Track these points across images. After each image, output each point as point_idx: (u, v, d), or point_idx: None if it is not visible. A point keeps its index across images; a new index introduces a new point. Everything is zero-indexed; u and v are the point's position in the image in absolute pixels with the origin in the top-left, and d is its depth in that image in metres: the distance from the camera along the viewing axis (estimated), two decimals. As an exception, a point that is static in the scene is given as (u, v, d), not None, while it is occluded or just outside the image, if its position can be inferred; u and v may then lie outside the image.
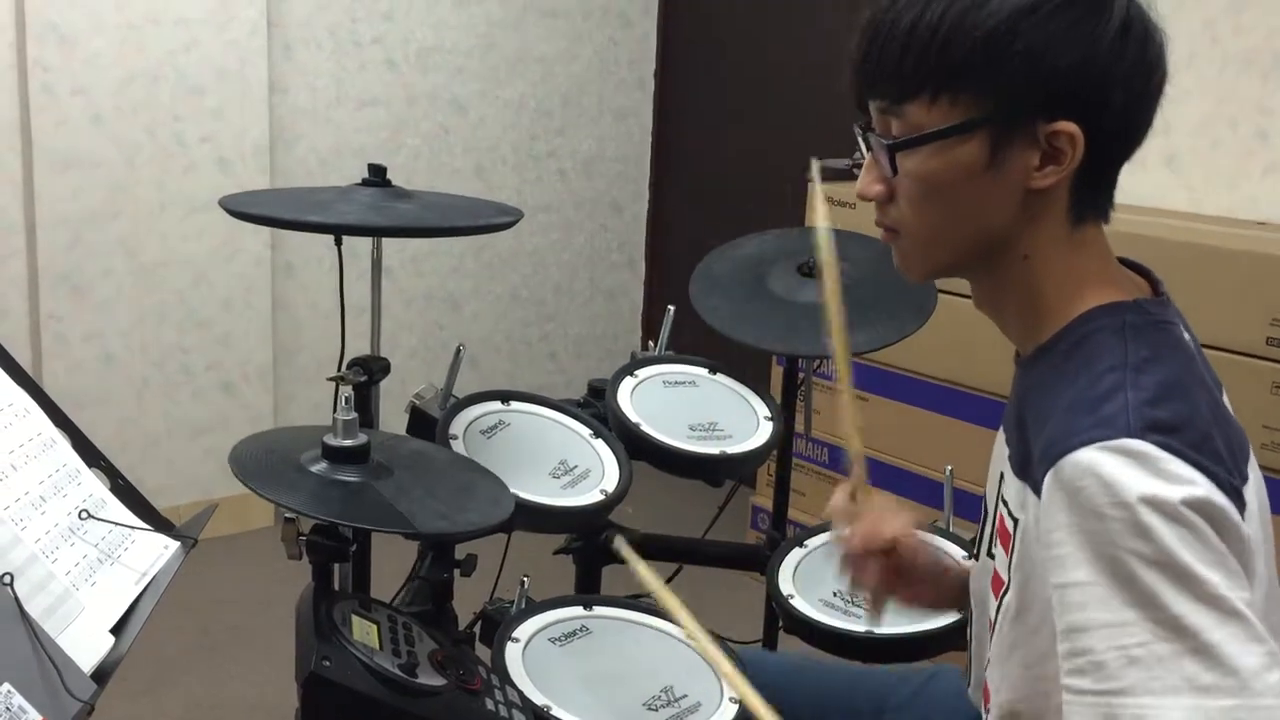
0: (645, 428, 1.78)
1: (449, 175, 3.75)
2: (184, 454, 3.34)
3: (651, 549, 1.99)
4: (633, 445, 1.78)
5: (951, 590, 1.31)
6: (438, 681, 1.28)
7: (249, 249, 3.34)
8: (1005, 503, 1.05)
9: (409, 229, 1.98)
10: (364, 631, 1.29)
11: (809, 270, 1.92)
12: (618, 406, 1.81)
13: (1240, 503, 0.90)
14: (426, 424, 1.76)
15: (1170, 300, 1.05)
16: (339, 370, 1.69)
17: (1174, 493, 0.85)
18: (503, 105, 3.84)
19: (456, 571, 1.74)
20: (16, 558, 1.14)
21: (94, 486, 1.33)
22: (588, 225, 4.15)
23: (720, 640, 1.55)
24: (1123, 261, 1.08)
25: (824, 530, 1.80)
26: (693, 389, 1.93)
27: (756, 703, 1.05)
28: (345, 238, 1.77)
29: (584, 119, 4.05)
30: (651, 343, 2.04)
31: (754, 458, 1.83)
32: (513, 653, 1.46)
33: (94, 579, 1.22)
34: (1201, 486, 0.87)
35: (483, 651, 1.56)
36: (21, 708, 1.00)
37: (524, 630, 1.51)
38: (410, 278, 3.75)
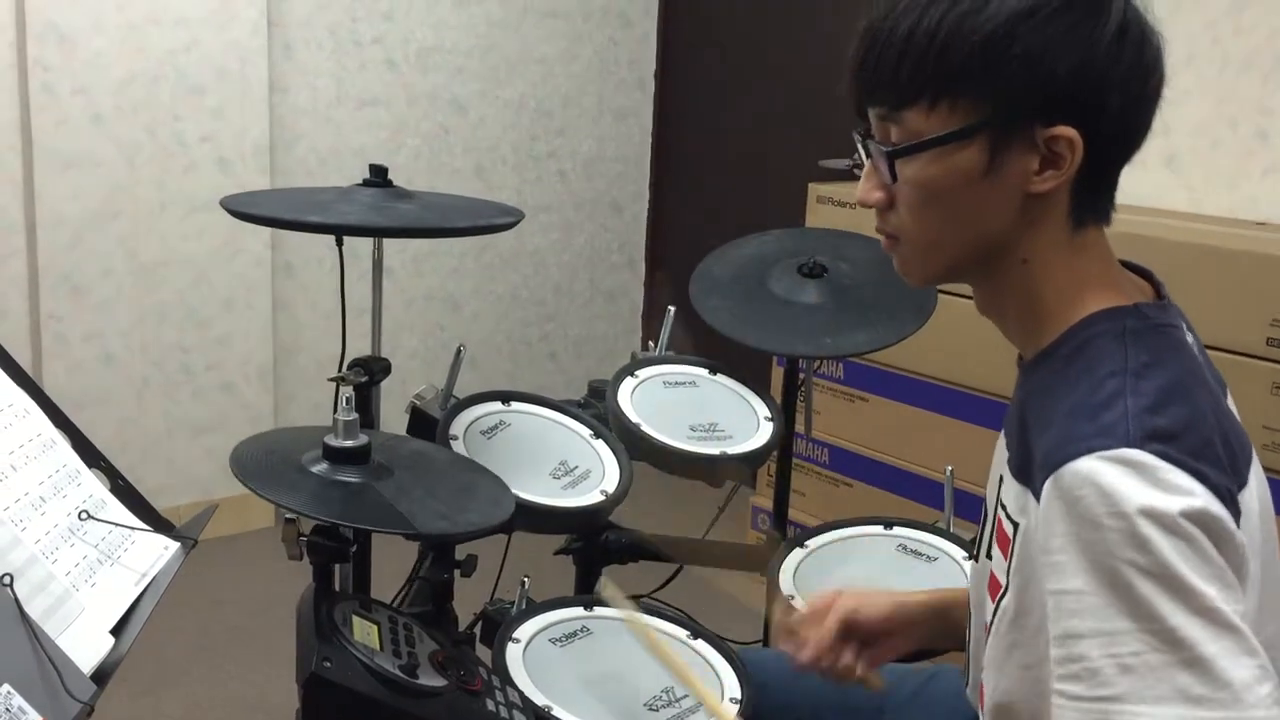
0: (645, 428, 1.78)
1: (449, 175, 3.75)
2: (184, 454, 3.34)
3: (651, 550, 1.99)
4: (633, 446, 1.78)
5: (929, 621, 1.33)
6: (438, 682, 1.28)
7: (249, 249, 3.34)
8: (1004, 506, 1.05)
9: (409, 229, 1.98)
10: (365, 632, 1.29)
11: (809, 270, 1.92)
12: (618, 407, 1.81)
13: (1237, 510, 0.90)
14: (427, 424, 1.76)
15: (1172, 303, 1.05)
16: (340, 371, 1.69)
17: (1172, 504, 0.86)
18: (503, 105, 3.84)
19: (457, 572, 1.74)
20: (16, 559, 1.14)
21: (94, 487, 1.33)
22: (588, 226, 4.15)
23: (720, 640, 1.56)
24: (1125, 264, 1.08)
25: (824, 531, 1.80)
26: (693, 389, 1.93)
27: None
28: (346, 238, 1.77)
29: (584, 119, 4.05)
30: (651, 343, 2.04)
31: (754, 458, 1.83)
32: (513, 653, 1.46)
33: (94, 580, 1.22)
34: (1200, 497, 0.87)
35: (483, 652, 1.56)
36: (21, 708, 1.00)
37: (524, 631, 1.51)
38: (411, 278, 3.75)
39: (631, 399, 1.84)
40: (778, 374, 2.83)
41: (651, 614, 1.59)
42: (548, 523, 1.67)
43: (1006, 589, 1.02)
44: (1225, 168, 2.74)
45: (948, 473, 1.87)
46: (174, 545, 1.35)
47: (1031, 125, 0.96)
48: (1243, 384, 2.25)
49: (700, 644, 1.54)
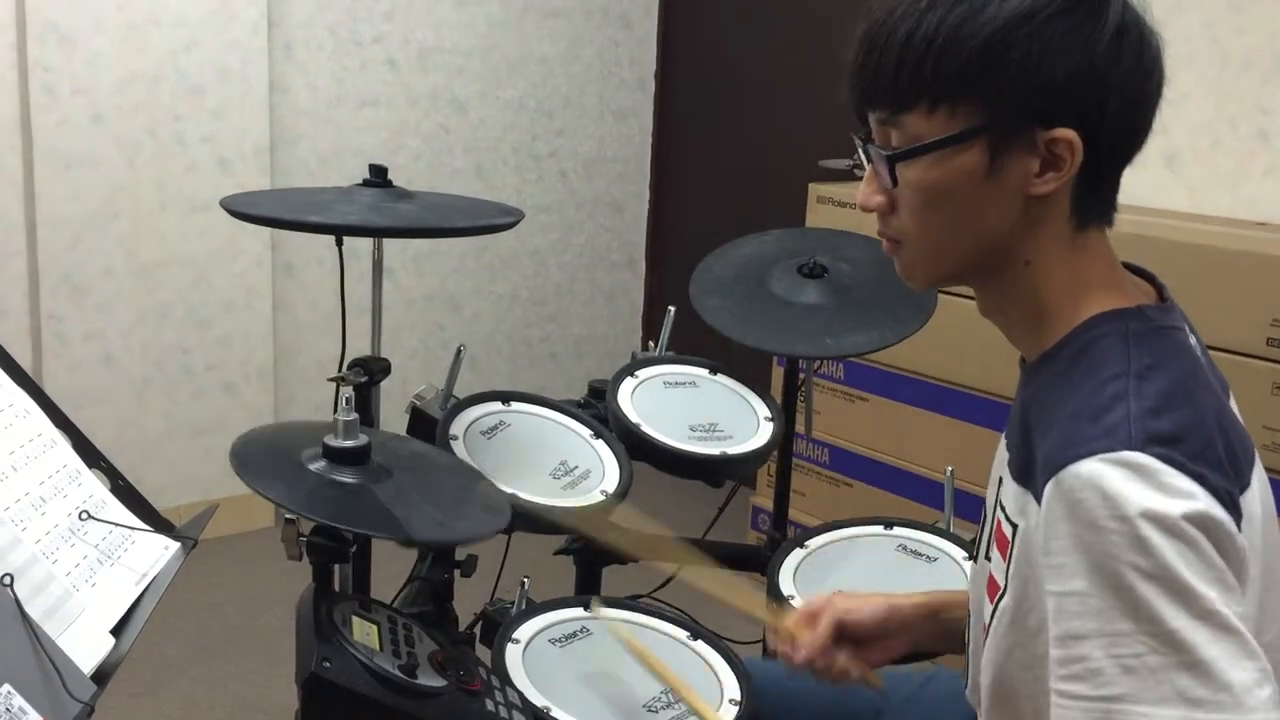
0: (646, 428, 1.78)
1: (449, 175, 3.75)
2: (184, 454, 3.34)
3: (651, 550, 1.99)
4: (633, 446, 1.78)
5: (922, 622, 1.33)
6: (438, 682, 1.28)
7: (250, 249, 3.34)
8: (1003, 507, 1.05)
9: (410, 229, 1.98)
10: (364, 632, 1.29)
11: (809, 270, 1.92)
12: (618, 407, 1.81)
13: (1238, 514, 0.91)
14: (427, 424, 1.76)
15: (1175, 305, 1.05)
16: (340, 371, 1.69)
17: (1174, 507, 0.86)
18: (503, 105, 3.84)
19: (457, 572, 1.75)
20: (16, 559, 1.14)
21: (94, 487, 1.33)
22: (588, 225, 4.15)
23: (720, 640, 1.56)
24: (1126, 266, 1.08)
25: (824, 531, 1.80)
26: (693, 389, 1.93)
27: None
28: (346, 238, 1.77)
29: (585, 119, 4.05)
30: (652, 343, 2.04)
31: (754, 458, 1.83)
32: (513, 654, 1.46)
33: (94, 580, 1.22)
34: (1201, 500, 0.87)
35: (483, 652, 1.56)
36: (22, 709, 1.00)
37: (524, 631, 1.51)
38: (411, 278, 3.75)
39: (631, 399, 1.84)
40: (778, 374, 2.83)
41: (651, 614, 1.59)
42: (548, 523, 1.67)
43: (1005, 591, 1.02)
44: (1225, 168, 2.74)
45: (948, 473, 1.87)
46: (174, 545, 1.35)
47: (1031, 128, 0.96)
48: (1243, 384, 2.25)
49: (700, 644, 1.54)
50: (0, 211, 2.99)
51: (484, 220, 1.83)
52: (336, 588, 1.41)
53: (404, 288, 3.73)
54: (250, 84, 3.25)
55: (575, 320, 4.20)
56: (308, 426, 1.43)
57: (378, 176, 1.78)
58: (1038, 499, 0.94)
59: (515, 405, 1.82)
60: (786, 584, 1.70)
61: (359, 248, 1.97)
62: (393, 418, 1.81)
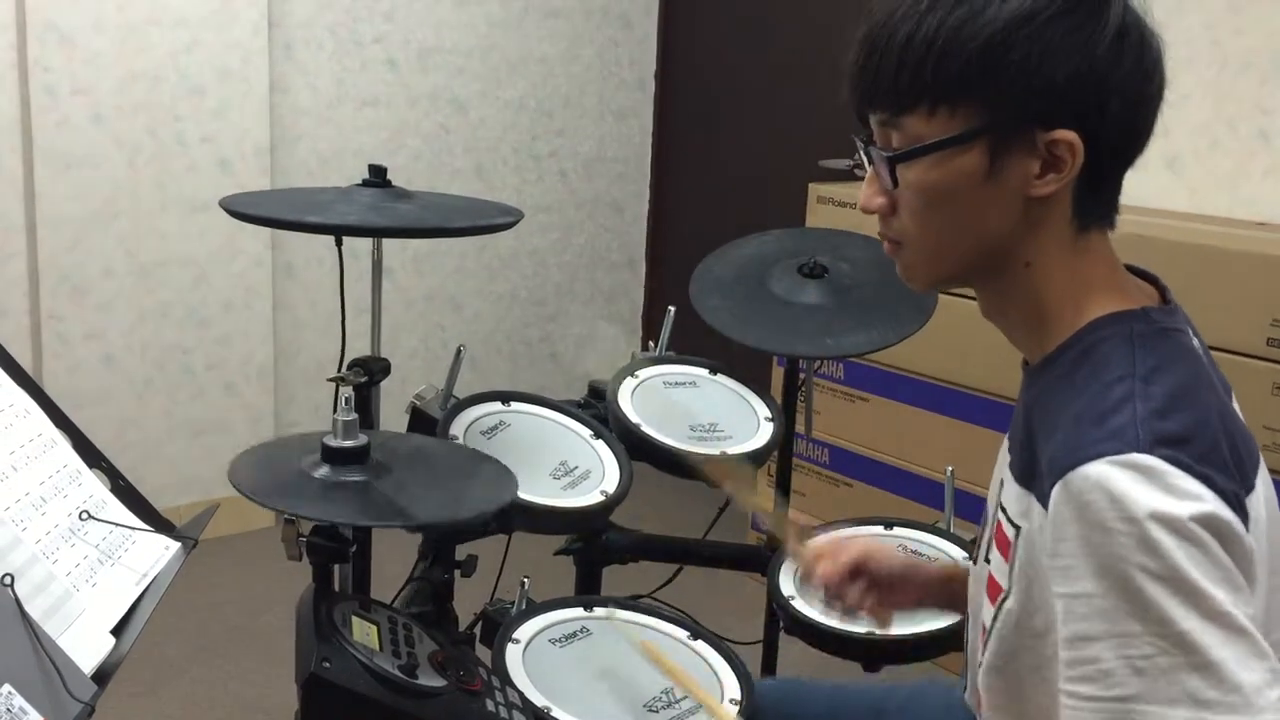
0: (646, 428, 1.78)
1: (449, 175, 3.75)
2: (184, 454, 3.33)
3: (652, 550, 1.99)
4: (633, 446, 1.78)
5: (936, 584, 1.36)
6: (438, 682, 1.28)
7: (249, 249, 3.34)
8: (1004, 509, 1.05)
9: (409, 229, 1.98)
10: (364, 632, 1.29)
11: (809, 271, 1.92)
12: (618, 407, 1.81)
13: (1245, 515, 0.90)
14: (427, 424, 1.76)
15: (1178, 306, 1.05)
16: (339, 371, 1.69)
17: (1182, 509, 0.86)
18: (503, 105, 3.84)
19: (457, 572, 1.75)
20: (17, 559, 1.14)
21: (94, 487, 1.33)
22: (588, 226, 4.15)
23: (720, 640, 1.56)
24: (1130, 268, 1.08)
25: (824, 531, 1.80)
26: (693, 390, 1.93)
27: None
28: (346, 238, 1.77)
29: (585, 119, 4.05)
30: (652, 343, 2.04)
31: (754, 458, 1.83)
32: (513, 654, 1.46)
33: (94, 580, 1.22)
34: (1209, 502, 0.87)
35: (483, 652, 1.56)
36: (22, 709, 1.00)
37: (524, 631, 1.51)
38: (411, 278, 3.75)
39: (631, 399, 1.84)
40: (778, 374, 2.83)
41: (651, 614, 1.59)
42: (548, 523, 1.67)
43: (1008, 593, 1.02)
44: (1225, 168, 2.74)
45: (948, 473, 1.87)
46: (174, 545, 1.35)
47: (1032, 129, 0.96)
48: (1243, 384, 2.24)
49: (700, 644, 1.54)
50: (0, 211, 2.99)
51: (484, 220, 1.83)
52: (336, 588, 1.41)
53: (404, 288, 3.73)
54: (250, 84, 3.25)
55: (575, 320, 4.20)
56: (301, 438, 1.44)
57: (377, 176, 1.77)
58: (1042, 501, 0.94)
59: (515, 405, 1.82)
60: (787, 584, 1.70)
61: (359, 248, 1.97)
62: (393, 418, 1.81)
